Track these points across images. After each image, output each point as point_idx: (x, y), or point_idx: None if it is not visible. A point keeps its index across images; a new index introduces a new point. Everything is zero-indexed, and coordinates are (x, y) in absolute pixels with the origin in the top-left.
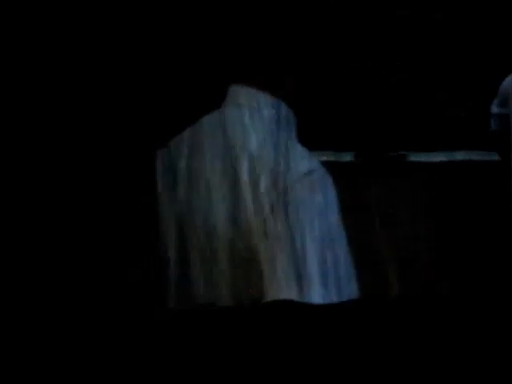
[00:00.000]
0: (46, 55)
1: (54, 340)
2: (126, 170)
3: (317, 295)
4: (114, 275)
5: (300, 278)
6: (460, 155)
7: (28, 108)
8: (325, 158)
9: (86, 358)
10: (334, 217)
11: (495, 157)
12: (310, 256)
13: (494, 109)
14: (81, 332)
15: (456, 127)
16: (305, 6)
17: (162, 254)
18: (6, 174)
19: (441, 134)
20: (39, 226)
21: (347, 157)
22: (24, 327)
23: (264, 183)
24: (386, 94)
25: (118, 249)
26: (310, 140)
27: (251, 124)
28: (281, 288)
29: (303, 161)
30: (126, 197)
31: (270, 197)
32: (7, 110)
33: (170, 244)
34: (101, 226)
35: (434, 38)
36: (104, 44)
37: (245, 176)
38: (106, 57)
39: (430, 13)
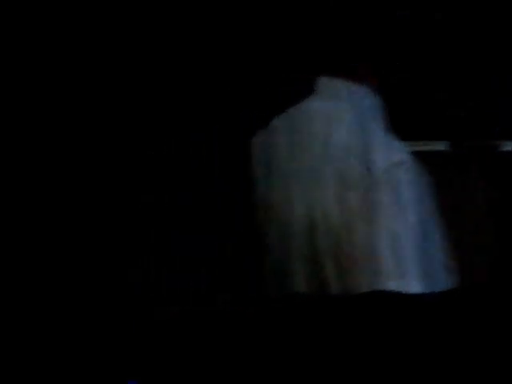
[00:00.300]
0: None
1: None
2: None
3: (411, 286)
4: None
5: (391, 269)
6: None
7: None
8: (417, 148)
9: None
10: (426, 208)
11: None
12: (402, 247)
13: None
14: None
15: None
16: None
17: (260, 242)
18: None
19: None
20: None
21: (439, 146)
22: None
23: (352, 175)
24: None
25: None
26: (401, 129)
27: (339, 115)
28: (373, 279)
29: (393, 151)
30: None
31: (358, 188)
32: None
33: (267, 233)
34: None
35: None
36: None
37: (333, 168)
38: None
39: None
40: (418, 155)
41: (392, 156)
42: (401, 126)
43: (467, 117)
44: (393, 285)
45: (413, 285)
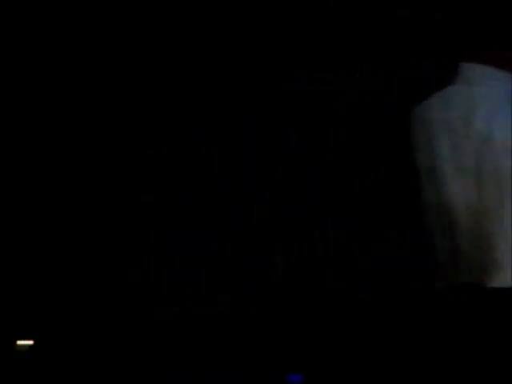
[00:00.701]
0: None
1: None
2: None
3: None
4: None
5: None
6: None
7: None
8: None
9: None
10: None
11: None
12: None
13: None
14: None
15: None
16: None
17: (429, 225)
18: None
19: None
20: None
21: None
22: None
23: (493, 160)
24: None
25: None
26: None
27: (481, 100)
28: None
29: None
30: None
31: (498, 173)
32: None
33: (432, 214)
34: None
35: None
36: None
37: (474, 153)
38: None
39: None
40: None
41: None
42: None
43: None
44: None
45: None
